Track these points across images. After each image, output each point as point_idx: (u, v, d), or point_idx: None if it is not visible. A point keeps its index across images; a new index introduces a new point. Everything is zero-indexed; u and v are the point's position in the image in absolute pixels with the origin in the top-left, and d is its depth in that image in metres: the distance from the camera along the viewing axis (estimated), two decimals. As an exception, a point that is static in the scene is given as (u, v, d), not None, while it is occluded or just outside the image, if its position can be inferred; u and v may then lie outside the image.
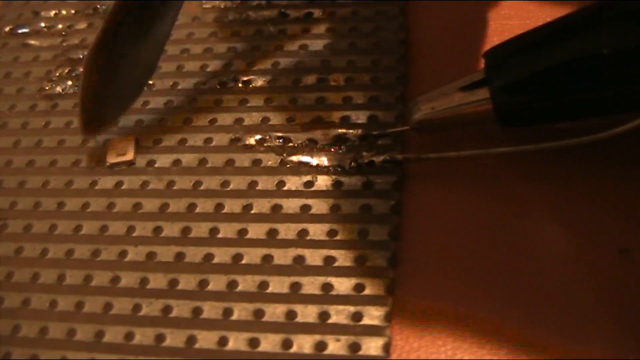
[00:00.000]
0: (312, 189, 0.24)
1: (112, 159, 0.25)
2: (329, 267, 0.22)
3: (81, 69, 0.28)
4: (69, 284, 0.23)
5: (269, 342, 0.20)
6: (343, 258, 0.22)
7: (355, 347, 0.20)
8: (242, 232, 0.23)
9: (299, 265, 0.22)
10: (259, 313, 0.21)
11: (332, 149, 0.24)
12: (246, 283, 0.22)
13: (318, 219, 0.23)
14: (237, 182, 0.24)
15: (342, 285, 0.21)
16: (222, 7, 0.30)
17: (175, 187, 0.24)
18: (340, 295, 0.21)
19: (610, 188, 0.22)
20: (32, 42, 0.30)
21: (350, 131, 0.25)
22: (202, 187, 0.24)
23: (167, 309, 0.22)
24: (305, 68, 0.27)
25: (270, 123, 0.26)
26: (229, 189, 0.24)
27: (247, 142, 0.25)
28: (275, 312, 0.21)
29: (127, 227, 0.24)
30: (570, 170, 0.23)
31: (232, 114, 0.26)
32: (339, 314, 0.21)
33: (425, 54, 0.27)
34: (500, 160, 0.23)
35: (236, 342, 0.21)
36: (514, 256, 0.21)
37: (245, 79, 0.27)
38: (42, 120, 0.27)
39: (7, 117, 0.28)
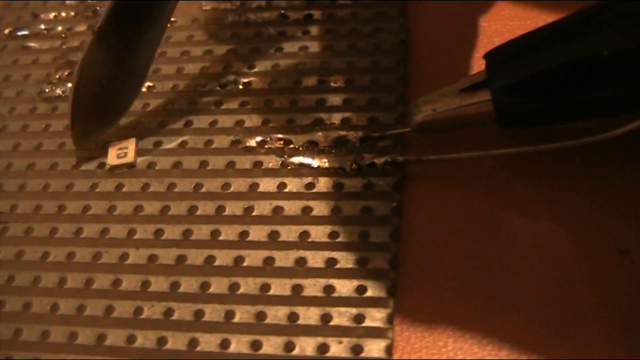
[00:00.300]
0: (313, 190, 0.24)
1: (112, 162, 0.25)
2: (330, 269, 0.22)
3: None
4: (70, 287, 0.23)
5: (271, 345, 0.20)
6: (344, 260, 0.22)
7: (357, 349, 0.20)
8: (244, 234, 0.23)
9: (300, 268, 0.22)
10: (260, 315, 0.21)
11: (333, 151, 0.24)
12: (248, 285, 0.22)
13: (319, 220, 0.23)
14: (238, 184, 0.24)
15: (344, 287, 0.21)
16: (222, 8, 0.30)
17: (176, 190, 0.24)
18: (342, 297, 0.21)
19: (610, 188, 0.22)
20: (32, 44, 0.30)
21: (351, 133, 0.25)
22: (203, 190, 0.24)
23: (168, 312, 0.22)
24: (305, 70, 0.27)
25: (270, 125, 0.26)
26: (229, 191, 0.24)
27: (247, 144, 0.25)
28: (277, 314, 0.21)
29: (128, 229, 0.24)
30: (570, 171, 0.23)
31: (233, 116, 0.26)
32: (340, 316, 0.21)
33: (425, 55, 0.27)
34: (501, 161, 0.23)
35: (238, 344, 0.21)
36: (515, 257, 0.21)
37: (245, 80, 0.27)
38: (42, 123, 0.27)
39: (6, 120, 0.28)
